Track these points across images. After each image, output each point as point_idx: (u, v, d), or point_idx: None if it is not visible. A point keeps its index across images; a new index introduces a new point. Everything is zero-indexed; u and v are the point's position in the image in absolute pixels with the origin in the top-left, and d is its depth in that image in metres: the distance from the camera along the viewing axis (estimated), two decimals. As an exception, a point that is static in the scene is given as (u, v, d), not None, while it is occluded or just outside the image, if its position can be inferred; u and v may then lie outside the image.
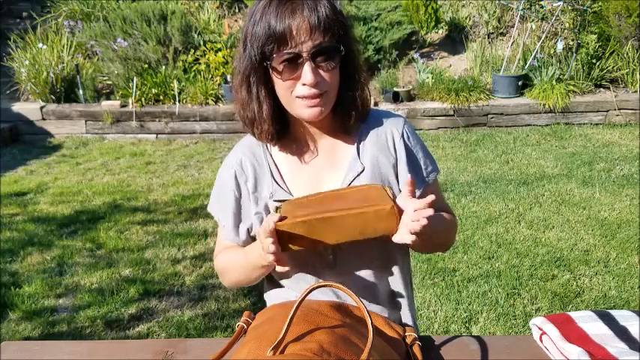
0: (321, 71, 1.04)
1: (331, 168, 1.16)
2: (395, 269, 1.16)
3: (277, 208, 1.04)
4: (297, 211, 0.99)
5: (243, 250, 1.15)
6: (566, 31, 6.36)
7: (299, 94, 1.05)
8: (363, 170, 1.14)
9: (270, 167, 1.17)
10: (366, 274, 1.13)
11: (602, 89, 6.12)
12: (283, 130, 1.15)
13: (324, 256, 1.11)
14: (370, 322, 0.79)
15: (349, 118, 1.13)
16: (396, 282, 1.16)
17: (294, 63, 1.03)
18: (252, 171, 1.17)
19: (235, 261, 1.17)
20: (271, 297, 1.22)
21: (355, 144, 1.16)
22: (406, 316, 1.17)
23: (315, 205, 1.01)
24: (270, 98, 1.10)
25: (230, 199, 1.17)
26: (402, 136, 1.17)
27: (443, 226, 1.17)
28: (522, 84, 6.01)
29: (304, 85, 1.04)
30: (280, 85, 1.07)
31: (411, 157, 1.17)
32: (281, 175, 1.16)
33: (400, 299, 1.17)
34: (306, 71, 1.03)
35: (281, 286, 1.19)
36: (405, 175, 1.15)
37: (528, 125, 5.87)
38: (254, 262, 1.10)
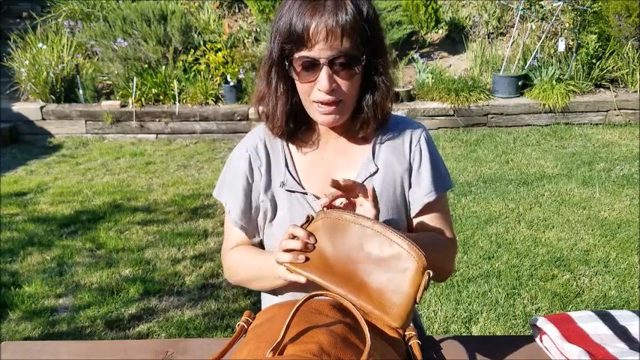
0: (338, 78, 1.02)
1: (345, 166, 1.16)
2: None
3: (307, 221, 0.96)
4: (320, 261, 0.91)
5: (258, 262, 1.13)
6: (566, 31, 6.36)
7: (315, 98, 1.05)
8: (376, 171, 1.14)
9: (285, 156, 1.16)
10: None
11: (602, 89, 6.12)
12: (298, 130, 1.14)
13: None
14: (366, 327, 0.79)
15: (367, 126, 1.12)
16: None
17: (311, 67, 1.02)
18: (266, 157, 1.16)
19: (249, 268, 1.16)
20: (268, 299, 1.22)
21: (371, 145, 1.16)
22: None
23: (339, 266, 0.90)
24: (288, 96, 1.09)
25: (241, 184, 1.16)
26: (419, 144, 1.17)
27: (442, 250, 1.16)
28: (522, 84, 6.01)
29: (320, 90, 1.03)
30: (299, 86, 1.07)
31: (422, 167, 1.16)
32: (295, 167, 1.16)
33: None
34: (322, 78, 1.01)
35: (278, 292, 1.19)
36: (415, 183, 1.16)
37: (528, 125, 5.87)
38: (269, 276, 1.08)
